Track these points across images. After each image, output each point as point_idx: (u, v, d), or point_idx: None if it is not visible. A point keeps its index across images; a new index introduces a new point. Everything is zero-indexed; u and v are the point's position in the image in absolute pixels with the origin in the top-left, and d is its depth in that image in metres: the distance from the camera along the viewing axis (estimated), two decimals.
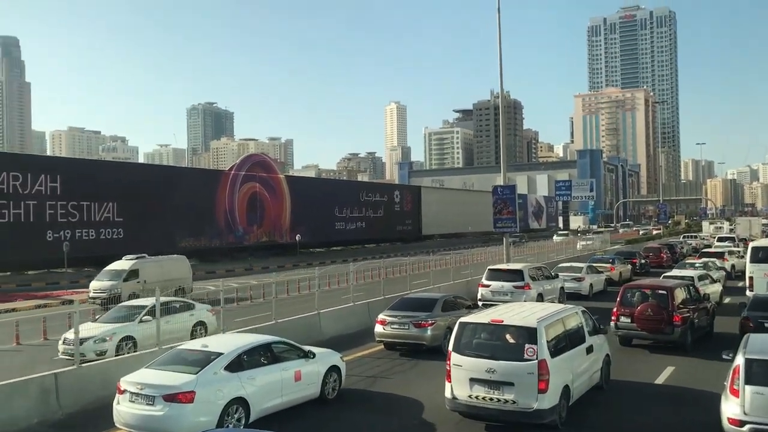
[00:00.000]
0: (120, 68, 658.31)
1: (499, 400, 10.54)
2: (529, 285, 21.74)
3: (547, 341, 10.78)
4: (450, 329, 16.31)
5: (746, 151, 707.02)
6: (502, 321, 11.27)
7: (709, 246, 48.79)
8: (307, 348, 12.54)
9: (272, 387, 11.28)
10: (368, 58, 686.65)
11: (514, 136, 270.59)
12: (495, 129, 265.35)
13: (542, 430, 10.64)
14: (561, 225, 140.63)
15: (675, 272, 24.94)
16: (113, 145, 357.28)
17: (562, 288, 24.96)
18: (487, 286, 22.37)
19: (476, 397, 10.73)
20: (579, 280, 26.75)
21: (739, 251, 40.01)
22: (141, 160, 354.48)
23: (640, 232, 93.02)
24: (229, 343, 11.59)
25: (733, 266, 35.44)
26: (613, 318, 17.44)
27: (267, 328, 15.52)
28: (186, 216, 51.64)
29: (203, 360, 10.75)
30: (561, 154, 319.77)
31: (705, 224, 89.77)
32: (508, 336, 11.07)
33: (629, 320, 17.09)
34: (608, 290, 28.50)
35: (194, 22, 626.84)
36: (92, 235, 44.98)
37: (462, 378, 10.88)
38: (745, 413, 9.53)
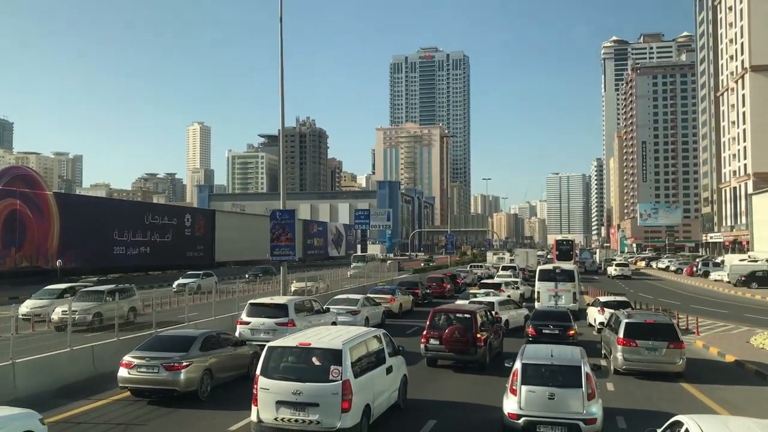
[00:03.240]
0: None
1: (304, 421, 10.81)
2: (293, 321, 19.35)
3: (351, 362, 11.27)
4: (210, 371, 14.81)
5: (526, 189, 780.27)
6: (310, 344, 11.53)
7: (492, 276, 51.28)
8: None
9: None
10: (170, 75, 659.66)
11: (318, 164, 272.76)
12: (300, 156, 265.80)
13: None
14: (360, 253, 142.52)
15: (481, 299, 27.25)
16: None
17: (334, 323, 23.08)
18: (247, 323, 19.64)
19: (282, 419, 10.93)
20: (354, 313, 24.86)
21: (516, 282, 41.78)
22: None
23: (390, 259, 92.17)
24: None
25: (509, 297, 36.26)
26: (423, 341, 18.66)
27: None
28: None
29: None
30: (364, 185, 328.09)
31: (489, 255, 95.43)
32: (314, 359, 11.35)
33: (438, 342, 18.30)
34: (387, 323, 27.38)
35: None
36: None
37: (269, 401, 11.02)
38: (521, 408, 11.49)
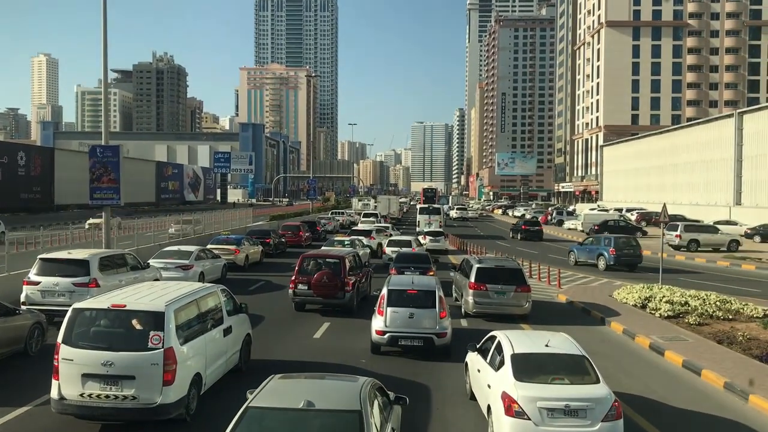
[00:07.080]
0: None
1: (116, 397, 9.19)
2: (96, 281, 15.91)
3: (177, 326, 9.74)
4: None
5: (392, 137, 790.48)
6: (125, 306, 9.77)
7: (355, 223, 50.40)
8: None
9: None
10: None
11: (177, 103, 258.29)
12: (157, 93, 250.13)
13: (170, 426, 9.42)
14: (219, 198, 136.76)
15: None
16: None
17: (156, 281, 19.80)
18: (36, 283, 15.84)
19: (89, 396, 9.22)
20: (185, 268, 21.37)
21: (387, 228, 41.88)
22: None
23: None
24: None
25: (380, 245, 34.44)
26: (291, 286, 18.79)
27: None
28: None
29: None
30: (227, 127, 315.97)
31: (354, 201, 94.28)
32: (131, 323, 9.69)
33: (306, 287, 18.44)
34: (229, 277, 24.41)
35: None
36: None
37: (73, 374, 9.24)
38: (386, 326, 13.67)
